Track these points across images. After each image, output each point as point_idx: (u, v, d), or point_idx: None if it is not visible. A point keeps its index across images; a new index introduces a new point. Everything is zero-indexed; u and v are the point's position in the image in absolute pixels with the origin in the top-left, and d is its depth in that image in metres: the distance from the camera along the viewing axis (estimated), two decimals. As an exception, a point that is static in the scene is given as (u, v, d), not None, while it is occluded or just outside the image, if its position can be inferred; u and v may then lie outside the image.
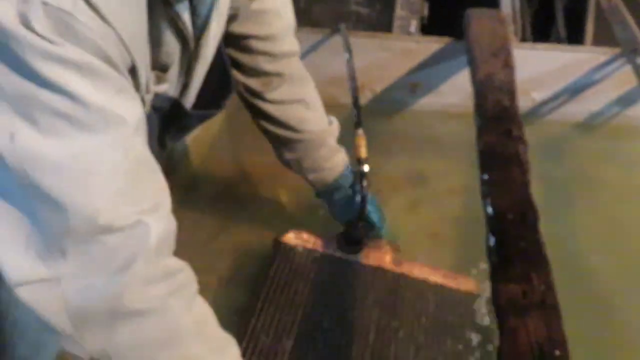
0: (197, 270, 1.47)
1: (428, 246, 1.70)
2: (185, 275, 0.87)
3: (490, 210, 1.27)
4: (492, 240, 1.21)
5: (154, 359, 0.77)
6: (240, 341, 1.23)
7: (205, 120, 1.10)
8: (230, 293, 1.58)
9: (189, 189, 1.92)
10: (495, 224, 1.24)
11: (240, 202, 1.86)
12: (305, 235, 1.62)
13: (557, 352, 0.96)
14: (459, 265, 1.62)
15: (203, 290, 1.38)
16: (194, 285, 0.89)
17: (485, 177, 1.36)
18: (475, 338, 1.41)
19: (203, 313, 0.88)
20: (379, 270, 1.54)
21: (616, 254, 1.67)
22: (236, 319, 1.47)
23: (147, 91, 0.85)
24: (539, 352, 0.96)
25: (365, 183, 1.47)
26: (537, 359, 0.95)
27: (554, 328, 1.01)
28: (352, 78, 1.62)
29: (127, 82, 0.73)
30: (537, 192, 1.32)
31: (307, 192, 1.76)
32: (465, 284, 1.54)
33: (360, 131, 1.51)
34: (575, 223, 1.75)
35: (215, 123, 2.20)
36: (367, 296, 1.49)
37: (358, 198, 1.49)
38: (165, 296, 0.78)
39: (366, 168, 1.47)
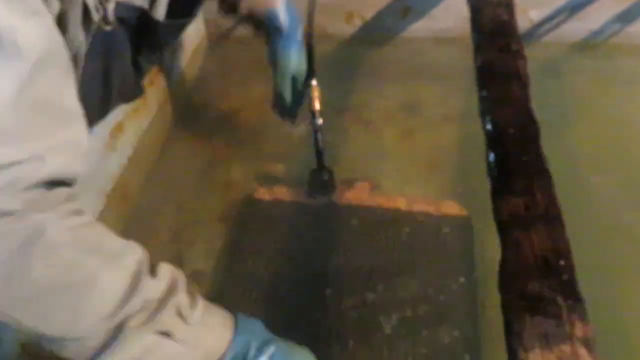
0: (190, 207, 1.63)
1: (425, 176, 1.66)
2: (66, 197, 0.73)
3: (489, 126, 1.21)
4: (491, 156, 1.15)
5: (28, 267, 0.66)
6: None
7: (179, 32, 1.02)
8: (221, 229, 1.55)
9: (177, 124, 1.86)
10: (495, 139, 1.18)
11: (229, 138, 1.81)
12: (276, 189, 1.60)
13: (562, 262, 0.92)
14: (458, 193, 1.57)
15: (196, 226, 1.57)
16: (75, 205, 0.74)
17: (484, 93, 1.29)
18: (465, 263, 1.38)
19: (84, 224, 0.74)
20: (357, 210, 1.51)
21: (616, 174, 1.62)
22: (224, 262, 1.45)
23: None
24: (544, 263, 0.92)
25: (320, 136, 1.43)
26: (541, 269, 0.91)
27: (558, 239, 0.97)
28: (310, 19, 1.43)
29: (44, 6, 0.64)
30: (537, 114, 1.26)
31: (291, 127, 1.69)
32: (452, 209, 1.51)
33: (314, 82, 1.42)
34: (575, 144, 1.69)
35: (199, 56, 2.11)
36: (348, 238, 1.45)
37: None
38: (33, 202, 0.67)
39: (320, 122, 1.41)
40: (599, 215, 1.51)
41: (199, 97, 1.99)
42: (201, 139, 1.82)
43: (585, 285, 0.91)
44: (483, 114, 1.25)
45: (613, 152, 1.70)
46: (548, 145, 1.18)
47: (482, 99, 1.29)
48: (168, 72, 1.87)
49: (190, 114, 1.91)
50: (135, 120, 1.67)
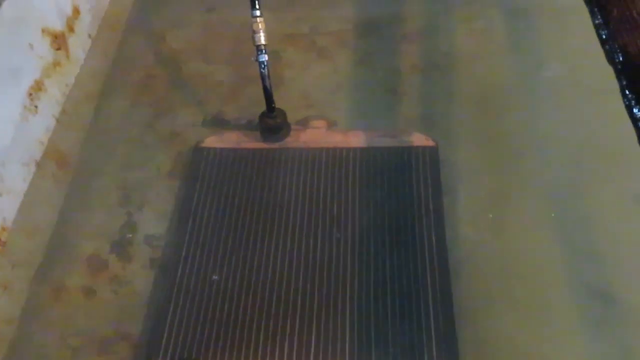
0: (136, 164, 1.45)
1: (385, 104, 1.52)
2: None
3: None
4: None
5: None
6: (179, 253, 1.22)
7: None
8: (171, 186, 1.42)
9: (111, 73, 1.66)
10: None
11: (171, 83, 1.63)
12: (226, 135, 1.46)
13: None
14: (422, 121, 1.46)
15: (145, 184, 1.40)
16: None
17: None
18: (431, 190, 1.31)
19: None
20: (313, 152, 1.39)
21: None
22: (179, 216, 1.35)
23: None
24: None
25: (267, 75, 1.29)
26: None
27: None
28: None
29: None
30: None
31: (239, 66, 1.61)
32: (418, 140, 1.39)
33: (257, 13, 1.25)
34: None
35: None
36: (306, 183, 1.34)
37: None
38: None
39: (265, 57, 1.27)
40: None
41: (133, 40, 1.76)
42: (140, 87, 1.63)
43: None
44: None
45: None
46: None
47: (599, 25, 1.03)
48: (91, 12, 1.64)
49: (125, 59, 1.71)
50: (58, 74, 1.47)
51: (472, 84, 1.52)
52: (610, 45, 0.91)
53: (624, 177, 1.30)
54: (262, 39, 1.26)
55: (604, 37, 0.92)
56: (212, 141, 1.46)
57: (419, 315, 1.15)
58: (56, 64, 1.45)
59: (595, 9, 0.95)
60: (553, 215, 1.27)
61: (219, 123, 1.52)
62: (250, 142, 1.43)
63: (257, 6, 1.25)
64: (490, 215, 1.29)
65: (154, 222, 1.36)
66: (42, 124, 1.40)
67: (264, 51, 1.27)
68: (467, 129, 1.43)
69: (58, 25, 1.46)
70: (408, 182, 1.33)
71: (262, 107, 1.39)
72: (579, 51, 1.54)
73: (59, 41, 1.44)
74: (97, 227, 1.36)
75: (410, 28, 1.68)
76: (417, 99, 1.51)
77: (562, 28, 1.62)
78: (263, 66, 1.29)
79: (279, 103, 1.40)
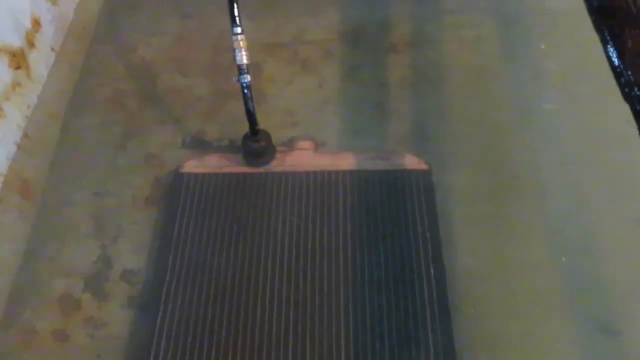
0: (108, 191, 1.34)
1: (375, 122, 1.43)
2: None
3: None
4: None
5: None
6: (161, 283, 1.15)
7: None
8: (148, 215, 1.32)
9: (78, 90, 1.53)
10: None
11: (143, 98, 1.51)
12: (206, 159, 1.37)
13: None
14: (412, 139, 1.38)
15: (119, 214, 1.30)
16: None
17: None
18: (427, 218, 1.24)
19: None
20: (300, 176, 1.31)
21: None
22: (158, 248, 1.26)
23: None
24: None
25: (249, 94, 1.21)
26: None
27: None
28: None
29: None
30: None
31: (218, 79, 1.51)
32: (410, 162, 1.32)
33: (237, 30, 1.15)
34: None
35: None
36: (293, 210, 1.26)
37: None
38: None
39: (247, 78, 1.18)
40: None
41: (102, 51, 1.63)
42: (111, 103, 1.52)
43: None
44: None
45: None
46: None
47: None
48: (53, 23, 1.50)
49: (93, 73, 1.58)
50: (18, 96, 1.33)
51: (465, 98, 1.45)
52: (625, 78, 0.84)
53: (630, 202, 1.25)
54: (244, 58, 1.17)
55: (618, 69, 0.84)
56: (193, 166, 1.36)
57: (418, 356, 1.08)
58: (16, 84, 1.31)
59: (608, 37, 0.87)
60: (555, 243, 1.22)
61: (198, 144, 1.42)
62: (233, 166, 1.35)
63: (238, 22, 1.15)
64: (490, 245, 1.23)
65: (130, 255, 1.27)
66: (2, 153, 1.27)
67: (246, 71, 1.18)
68: (462, 150, 1.36)
69: (16, 41, 1.32)
70: (402, 209, 1.26)
71: (245, 125, 1.30)
72: (579, 57, 1.48)
73: (17, 59, 1.31)
74: (68, 263, 1.27)
75: (398, 37, 1.59)
76: (407, 116, 1.43)
77: (557, 33, 1.55)
78: (245, 88, 1.20)
79: (261, 121, 1.31)
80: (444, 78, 1.49)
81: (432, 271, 1.18)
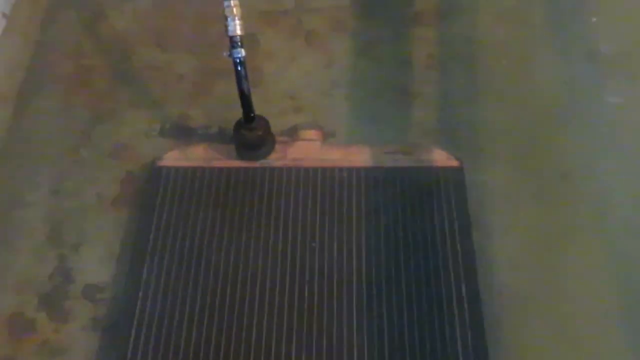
0: (69, 190, 1.36)
1: (394, 107, 1.44)
2: None
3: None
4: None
5: None
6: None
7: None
8: (117, 218, 1.33)
9: (33, 69, 1.54)
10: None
11: (113, 78, 1.52)
12: (191, 150, 1.36)
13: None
14: (441, 129, 1.39)
15: (82, 216, 1.31)
16: None
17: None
18: (458, 226, 1.24)
19: None
20: (306, 173, 1.31)
21: None
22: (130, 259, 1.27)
23: None
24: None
25: (243, 72, 1.21)
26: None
27: None
28: None
29: None
30: None
31: (205, 55, 1.52)
32: (439, 158, 1.31)
33: None
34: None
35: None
36: (296, 218, 1.25)
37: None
38: None
39: (241, 53, 1.18)
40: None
41: (63, 18, 1.63)
42: (74, 82, 1.53)
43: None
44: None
45: None
46: None
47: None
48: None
49: (52, 45, 1.59)
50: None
51: (504, 82, 1.46)
52: None
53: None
54: (237, 28, 1.17)
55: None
56: (174, 158, 1.37)
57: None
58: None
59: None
60: (615, 259, 1.22)
61: (181, 132, 1.43)
62: (223, 160, 1.35)
63: None
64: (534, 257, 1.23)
65: (95, 267, 1.28)
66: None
67: (239, 44, 1.18)
68: (500, 143, 1.37)
69: (-41, 5, 1.32)
70: (428, 215, 1.26)
71: (237, 109, 1.30)
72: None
73: (-39, 26, 1.31)
74: (19, 276, 1.28)
75: (424, 5, 1.61)
76: (435, 102, 1.44)
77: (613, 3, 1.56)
78: (239, 64, 1.20)
79: (258, 105, 1.31)
80: (479, 56, 1.50)
81: (463, 292, 1.18)
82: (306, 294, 1.18)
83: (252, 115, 1.28)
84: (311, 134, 1.37)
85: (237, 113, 1.30)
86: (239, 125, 1.31)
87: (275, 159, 1.34)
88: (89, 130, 1.45)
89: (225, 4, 1.15)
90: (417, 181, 1.30)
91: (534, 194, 1.30)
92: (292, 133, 1.38)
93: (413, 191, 1.29)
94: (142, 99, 1.49)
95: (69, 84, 1.52)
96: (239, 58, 1.18)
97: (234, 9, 1.16)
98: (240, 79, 1.21)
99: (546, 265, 1.22)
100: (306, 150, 1.35)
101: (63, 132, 1.44)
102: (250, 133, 1.31)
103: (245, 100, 1.25)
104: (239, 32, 1.16)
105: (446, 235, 1.23)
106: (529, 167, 1.33)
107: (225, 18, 1.16)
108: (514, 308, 1.18)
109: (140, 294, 1.20)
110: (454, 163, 1.32)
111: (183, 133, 1.42)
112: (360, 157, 1.33)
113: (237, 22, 1.16)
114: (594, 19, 1.55)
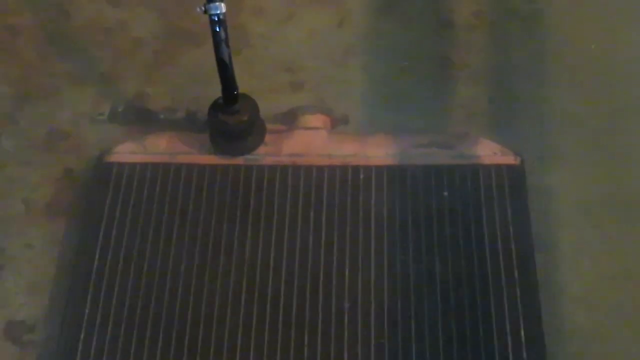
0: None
1: (428, 81, 1.41)
2: None
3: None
4: None
5: None
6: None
7: None
8: (53, 231, 1.30)
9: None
10: None
11: (45, 45, 1.49)
12: (150, 140, 1.35)
13: None
14: (492, 114, 1.36)
15: (4, 229, 1.28)
16: None
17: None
18: (515, 244, 1.20)
19: None
20: (305, 170, 1.28)
21: None
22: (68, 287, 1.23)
23: None
24: None
25: (223, 35, 1.16)
26: None
27: None
28: None
29: None
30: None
31: (170, 12, 1.50)
32: (489, 153, 1.26)
33: None
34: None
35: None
36: (292, 223, 1.22)
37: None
38: None
39: (221, 8, 1.15)
40: None
41: None
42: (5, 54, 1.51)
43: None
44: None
45: None
46: None
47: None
48: None
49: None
50: None
51: (577, 50, 1.44)
52: None
53: None
54: None
55: None
56: (128, 151, 1.35)
57: None
58: None
59: None
60: None
61: (137, 116, 1.42)
62: (193, 154, 1.32)
63: None
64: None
65: (22, 297, 1.27)
66: None
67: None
68: (572, 137, 1.37)
69: None
70: (475, 228, 1.23)
71: (214, 86, 1.25)
72: None
73: None
74: None
75: None
76: (484, 77, 1.42)
77: None
78: (217, 24, 1.14)
79: (242, 81, 1.26)
80: (543, 16, 1.50)
81: (522, 326, 1.16)
82: (306, 329, 1.15)
83: (234, 93, 1.23)
84: (315, 120, 1.33)
85: (214, 91, 1.24)
86: (216, 107, 1.27)
87: (266, 154, 1.30)
88: (13, 112, 1.43)
89: None
90: (460, 184, 1.26)
91: (617, 205, 1.29)
92: (289, 119, 1.34)
93: (454, 197, 1.25)
94: (85, 72, 1.49)
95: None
96: (218, 15, 1.13)
97: None
98: (218, 43, 1.17)
99: (629, 300, 1.22)
100: (308, 143, 1.31)
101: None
102: (232, 118, 1.27)
103: (226, 73, 1.20)
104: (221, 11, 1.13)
105: (500, 261, 1.20)
106: (607, 170, 1.34)
107: None
108: (587, 346, 1.19)
109: (82, 334, 1.18)
110: (512, 160, 1.28)
111: (140, 118, 1.40)
112: (380, 150, 1.30)
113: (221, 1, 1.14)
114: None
